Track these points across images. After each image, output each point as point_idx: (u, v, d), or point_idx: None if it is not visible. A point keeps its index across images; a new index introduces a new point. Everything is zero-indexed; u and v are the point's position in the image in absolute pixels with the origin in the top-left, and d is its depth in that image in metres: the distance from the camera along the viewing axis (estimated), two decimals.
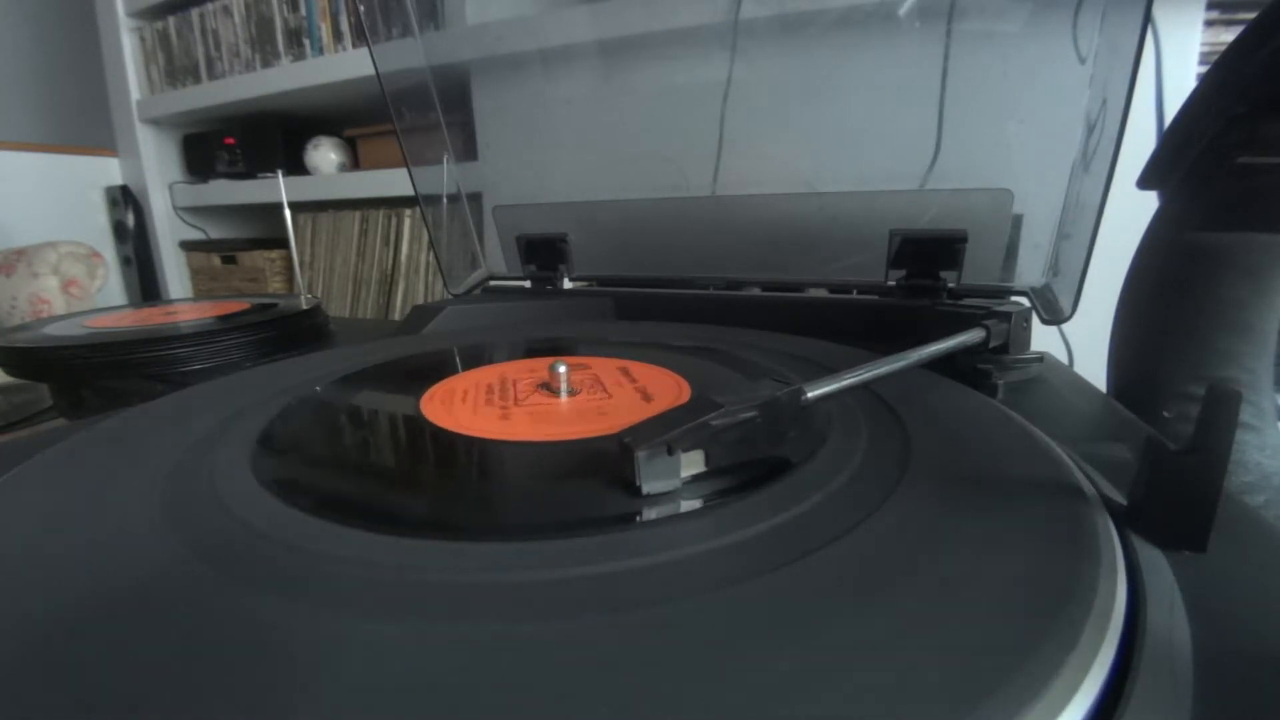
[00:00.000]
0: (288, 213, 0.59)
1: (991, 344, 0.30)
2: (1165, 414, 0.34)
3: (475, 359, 0.31)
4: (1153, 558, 0.14)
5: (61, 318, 0.49)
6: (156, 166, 1.53)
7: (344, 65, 1.13)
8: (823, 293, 0.47)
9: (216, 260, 1.49)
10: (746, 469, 0.18)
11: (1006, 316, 0.31)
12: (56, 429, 0.29)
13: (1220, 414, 0.14)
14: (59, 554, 0.14)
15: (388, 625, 0.11)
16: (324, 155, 1.31)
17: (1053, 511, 0.15)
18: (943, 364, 0.26)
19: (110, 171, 1.57)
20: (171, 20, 1.39)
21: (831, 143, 0.47)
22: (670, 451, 0.16)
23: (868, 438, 0.20)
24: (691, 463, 0.17)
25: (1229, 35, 0.39)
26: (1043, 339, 0.34)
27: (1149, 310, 0.36)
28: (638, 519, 0.16)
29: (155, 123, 1.51)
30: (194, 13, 1.34)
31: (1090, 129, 0.35)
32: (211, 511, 0.16)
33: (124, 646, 0.11)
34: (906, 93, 0.42)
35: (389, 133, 0.94)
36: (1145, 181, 0.37)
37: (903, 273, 0.40)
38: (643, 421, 0.17)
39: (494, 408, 0.24)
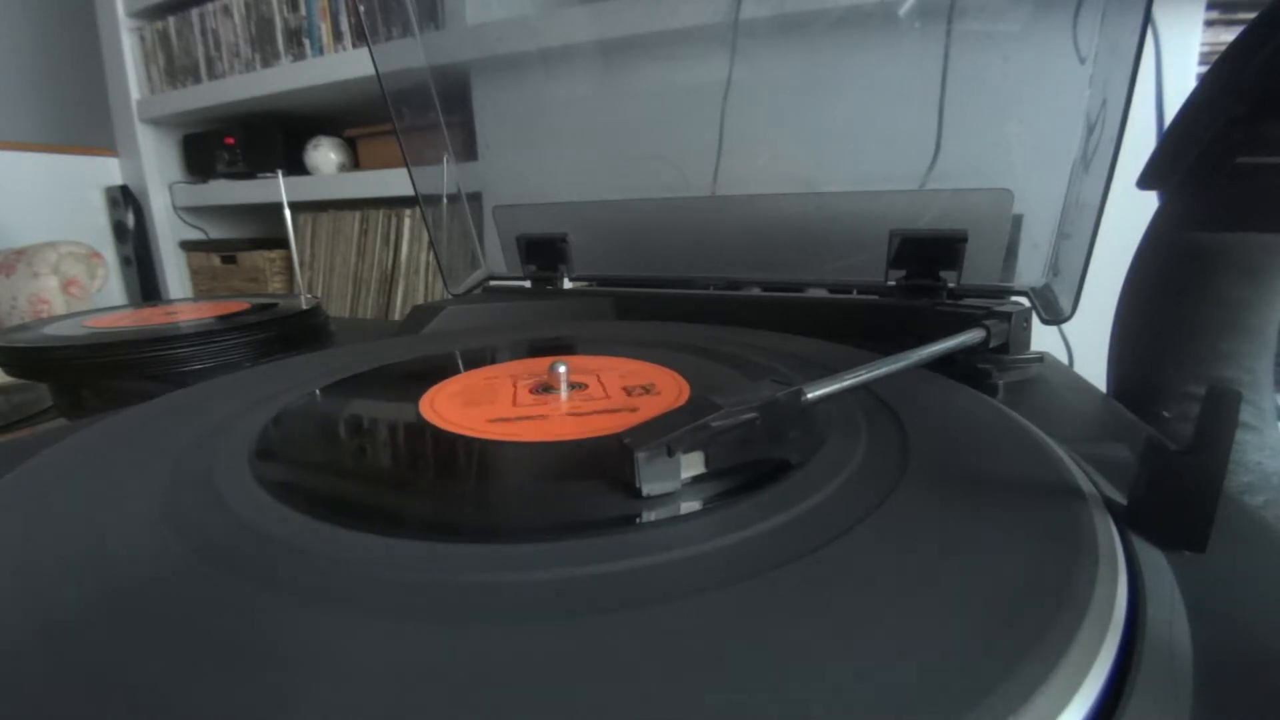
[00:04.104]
0: (288, 213, 0.59)
1: (991, 344, 0.30)
2: (1165, 414, 0.34)
3: (475, 359, 0.31)
4: (1153, 558, 0.14)
5: (61, 318, 0.49)
6: (156, 166, 1.53)
7: (344, 65, 1.13)
8: (823, 293, 0.47)
9: (216, 260, 1.49)
10: (746, 470, 0.18)
11: (1006, 316, 0.31)
12: (56, 429, 0.29)
13: (1220, 414, 0.14)
14: (59, 554, 0.14)
15: (386, 625, 0.11)
16: (324, 155, 1.31)
17: (1053, 511, 0.15)
18: (943, 364, 0.26)
19: (110, 171, 1.57)
20: (171, 20, 1.39)
21: (831, 143, 0.47)
22: (670, 453, 0.16)
23: (867, 438, 0.20)
24: (691, 464, 0.17)
25: (1229, 35, 0.39)
26: (1043, 339, 0.34)
27: (1149, 310, 0.36)
28: (637, 520, 0.16)
29: (155, 123, 1.51)
30: (194, 13, 1.34)
31: (1090, 129, 0.35)
32: (211, 512, 0.16)
33: (124, 647, 0.11)
34: (906, 93, 0.42)
35: (389, 133, 0.94)
36: (1145, 181, 0.37)
37: (903, 273, 0.40)
38: (643, 422, 0.17)
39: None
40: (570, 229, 0.52)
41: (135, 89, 1.48)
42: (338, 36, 1.17)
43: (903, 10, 0.41)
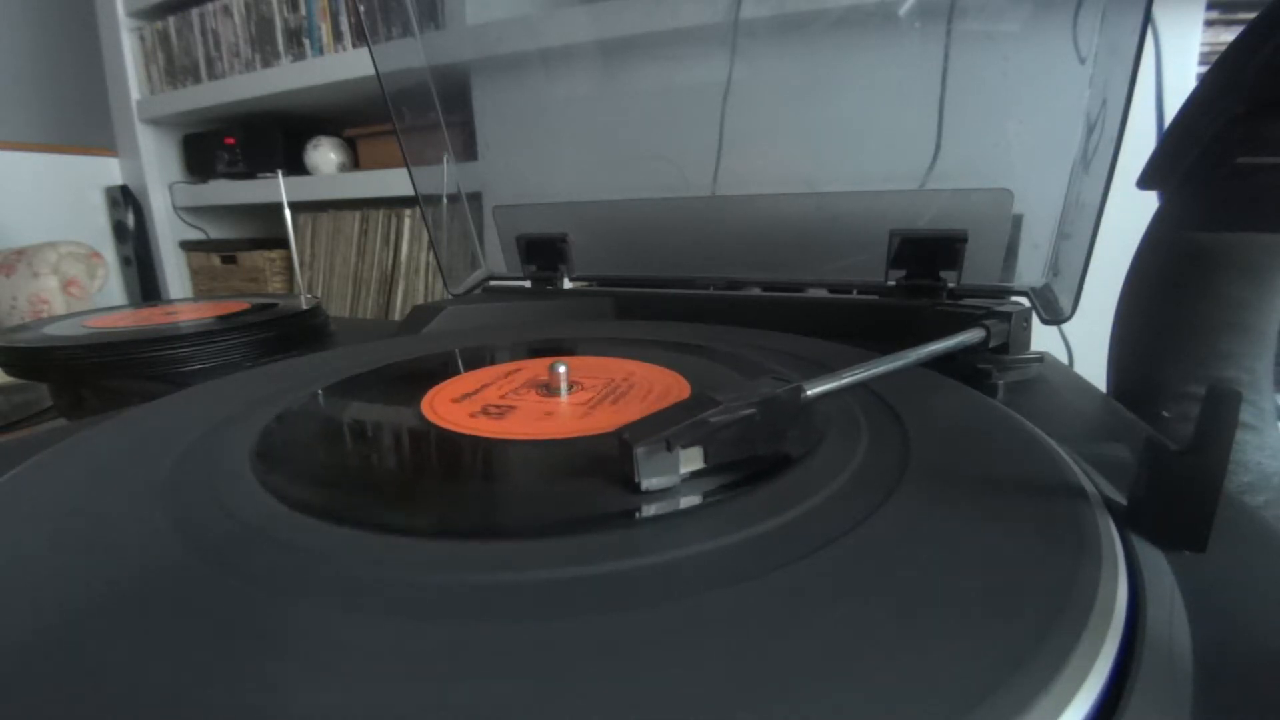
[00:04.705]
0: (288, 213, 0.59)
1: (991, 344, 0.30)
2: (1165, 414, 0.34)
3: (475, 359, 0.31)
4: (1153, 558, 0.14)
5: (61, 318, 0.49)
6: (156, 166, 1.53)
7: (344, 65, 1.13)
8: (823, 293, 0.47)
9: (216, 260, 1.49)
10: (745, 467, 0.18)
11: (1006, 316, 0.31)
12: (56, 429, 0.29)
13: (1220, 414, 0.14)
14: (58, 554, 0.14)
15: (386, 624, 0.11)
16: (324, 155, 1.31)
17: (1053, 511, 0.15)
18: (943, 364, 0.26)
19: (110, 171, 1.57)
20: (171, 20, 1.39)
21: (831, 143, 0.47)
22: (669, 448, 0.16)
23: (867, 436, 0.20)
24: (690, 459, 0.17)
25: (1229, 35, 0.39)
26: (1043, 339, 0.34)
27: (1149, 310, 0.36)
28: (636, 515, 0.16)
29: (155, 123, 1.51)
30: (194, 13, 1.34)
31: (1090, 129, 0.35)
32: (212, 512, 0.16)
33: (124, 647, 0.11)
34: (906, 92, 0.43)
35: (389, 133, 0.94)
36: (1145, 181, 0.37)
37: (903, 273, 0.40)
38: (642, 418, 0.17)
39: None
40: (570, 229, 0.52)
41: (135, 89, 1.48)
42: (338, 36, 1.17)
43: (903, 10, 0.41)
